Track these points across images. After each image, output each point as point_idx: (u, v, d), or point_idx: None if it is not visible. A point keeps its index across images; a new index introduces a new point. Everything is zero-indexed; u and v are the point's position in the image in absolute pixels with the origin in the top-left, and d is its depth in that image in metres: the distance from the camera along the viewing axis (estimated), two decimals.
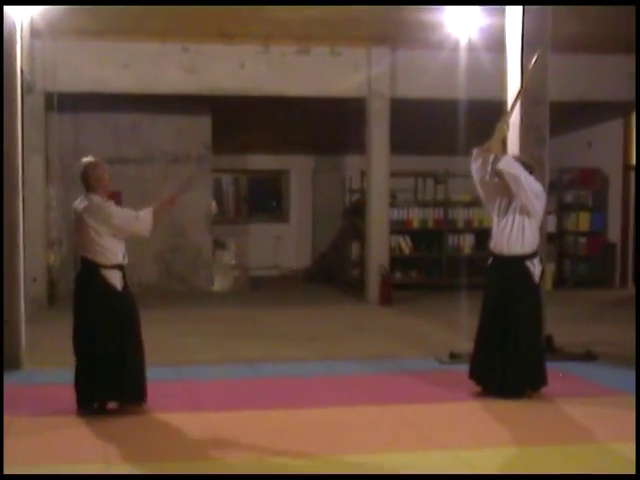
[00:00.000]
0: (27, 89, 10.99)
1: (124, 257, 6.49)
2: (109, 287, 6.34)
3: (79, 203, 6.40)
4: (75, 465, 5.22)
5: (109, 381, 6.29)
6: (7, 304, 7.84)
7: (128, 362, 6.35)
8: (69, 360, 8.42)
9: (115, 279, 6.37)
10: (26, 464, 5.20)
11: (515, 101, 7.40)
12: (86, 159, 6.55)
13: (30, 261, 11.09)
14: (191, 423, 6.12)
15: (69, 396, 6.88)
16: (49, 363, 8.29)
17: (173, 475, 5.06)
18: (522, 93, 7.50)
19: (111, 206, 6.37)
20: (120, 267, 6.42)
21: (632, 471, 5.05)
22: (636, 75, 10.24)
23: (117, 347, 6.32)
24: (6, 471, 4.88)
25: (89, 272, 6.37)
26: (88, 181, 6.40)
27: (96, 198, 6.35)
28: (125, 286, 6.46)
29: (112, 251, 6.36)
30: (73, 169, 13.39)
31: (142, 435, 5.90)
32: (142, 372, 6.43)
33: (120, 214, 6.39)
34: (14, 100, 8.00)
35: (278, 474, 5.08)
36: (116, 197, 13.56)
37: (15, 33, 8.09)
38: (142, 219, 6.40)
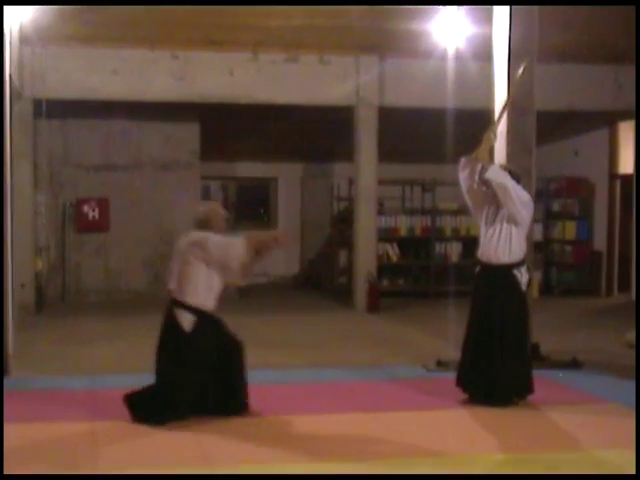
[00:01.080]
0: (16, 95, 10.98)
1: (209, 302, 6.39)
2: (176, 326, 6.31)
3: (184, 239, 6.52)
4: (62, 473, 5.23)
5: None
6: None
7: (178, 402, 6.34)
8: (57, 367, 8.47)
9: (185, 320, 6.29)
10: (14, 470, 5.19)
11: (502, 111, 7.45)
12: (204, 205, 6.72)
13: (18, 267, 11.05)
14: (183, 431, 6.13)
15: (57, 402, 6.90)
16: (37, 370, 8.29)
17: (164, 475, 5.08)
18: (509, 103, 7.55)
19: (212, 234, 6.40)
20: (197, 311, 6.31)
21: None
22: (636, 82, 10.28)
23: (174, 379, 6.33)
24: None
25: (168, 306, 6.41)
26: (205, 224, 6.49)
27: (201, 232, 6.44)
28: (199, 331, 6.31)
29: (196, 290, 6.30)
30: (61, 175, 13.59)
31: (132, 441, 5.91)
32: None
33: (217, 239, 6.37)
34: (2, 106, 7.99)
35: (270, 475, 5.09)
36: (103, 204, 13.68)
37: (4, 39, 8.10)
38: (236, 244, 6.31)
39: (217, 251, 6.30)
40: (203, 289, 6.36)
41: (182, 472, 5.23)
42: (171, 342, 6.35)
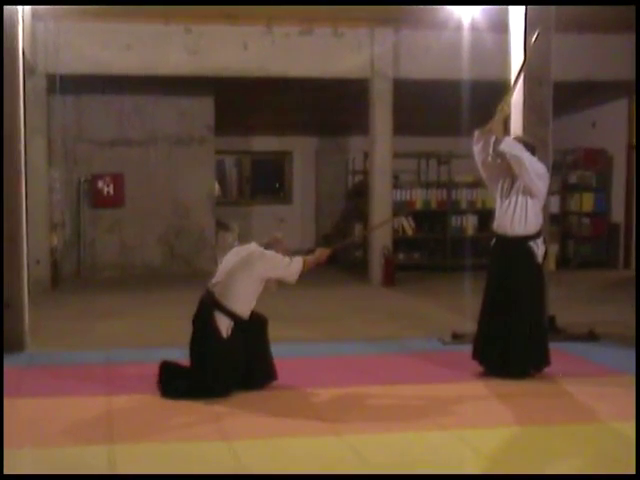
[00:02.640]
0: (29, 71, 10.96)
1: (248, 311, 6.43)
2: (213, 328, 6.31)
3: (246, 247, 6.57)
4: (78, 447, 5.24)
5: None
6: (10, 286, 7.84)
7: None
8: (73, 342, 8.50)
9: (222, 324, 6.30)
10: (29, 446, 5.22)
11: (517, 78, 7.34)
12: (269, 235, 6.76)
13: (33, 243, 11.10)
14: (199, 405, 6.13)
15: (73, 377, 6.92)
16: (52, 345, 8.33)
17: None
18: (524, 69, 7.44)
19: (269, 252, 6.49)
20: (235, 318, 6.34)
21: (632, 451, 5.05)
22: (636, 59, 10.19)
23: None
24: (9, 453, 4.91)
25: (206, 306, 6.40)
26: (267, 248, 6.55)
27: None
28: (234, 336, 6.33)
29: (239, 298, 6.34)
30: (76, 151, 13.59)
31: (148, 414, 5.92)
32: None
33: (277, 258, 6.48)
34: (16, 82, 7.98)
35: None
36: (118, 179, 13.69)
37: (17, 14, 8.06)
38: (292, 267, 6.50)
39: (273, 268, 6.47)
40: (247, 298, 6.41)
41: (198, 446, 5.24)
42: (206, 342, 6.36)
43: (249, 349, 6.47)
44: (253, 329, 6.51)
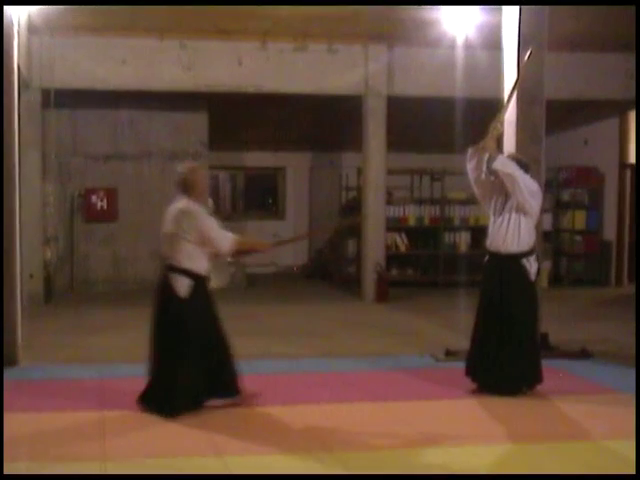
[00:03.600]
0: (24, 85, 10.97)
1: (204, 264, 6.35)
2: (171, 291, 6.28)
3: (173, 206, 6.44)
4: (70, 462, 5.22)
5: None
6: (4, 300, 7.82)
7: (180, 372, 6.29)
8: (66, 356, 8.48)
9: (181, 285, 6.26)
10: (24, 460, 5.20)
11: (510, 96, 7.38)
12: (185, 165, 6.62)
13: (27, 257, 11.09)
14: (191, 421, 6.12)
15: (66, 392, 6.91)
16: (45, 359, 8.31)
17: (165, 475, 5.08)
18: (517, 86, 7.48)
19: (201, 211, 6.35)
20: (190, 274, 6.28)
21: (626, 469, 5.07)
22: (636, 76, 10.25)
23: (177, 355, 6.28)
24: (6, 468, 4.89)
25: (161, 273, 6.40)
26: (187, 187, 6.39)
27: (188, 202, 6.36)
28: (196, 295, 6.29)
29: (190, 255, 6.27)
30: (70, 165, 13.59)
31: (140, 430, 5.91)
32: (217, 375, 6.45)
33: (208, 221, 6.34)
34: (11, 96, 7.98)
35: (271, 475, 5.08)
36: (112, 194, 13.68)
37: (12, 29, 8.08)
38: (226, 236, 6.36)
39: (206, 231, 6.29)
40: (197, 253, 6.31)
41: (191, 462, 5.23)
42: (164, 305, 6.32)
43: (215, 354, 6.42)
44: (218, 333, 6.47)
